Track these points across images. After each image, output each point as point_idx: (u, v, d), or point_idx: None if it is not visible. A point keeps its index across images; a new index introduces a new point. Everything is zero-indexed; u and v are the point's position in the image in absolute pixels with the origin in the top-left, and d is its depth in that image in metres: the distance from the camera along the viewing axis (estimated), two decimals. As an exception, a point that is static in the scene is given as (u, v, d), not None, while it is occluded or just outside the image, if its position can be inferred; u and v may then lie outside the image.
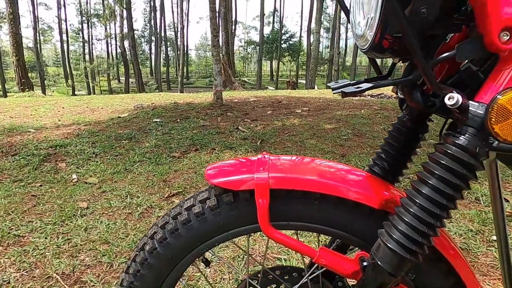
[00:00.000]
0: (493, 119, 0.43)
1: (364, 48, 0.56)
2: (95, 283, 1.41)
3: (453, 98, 0.46)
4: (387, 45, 0.52)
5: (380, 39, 0.51)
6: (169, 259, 0.63)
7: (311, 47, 23.84)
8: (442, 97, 0.48)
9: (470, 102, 0.47)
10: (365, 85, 0.53)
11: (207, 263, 0.68)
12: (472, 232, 1.78)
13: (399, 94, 0.64)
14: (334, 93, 0.59)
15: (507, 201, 2.13)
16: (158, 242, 0.63)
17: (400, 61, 0.60)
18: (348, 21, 0.63)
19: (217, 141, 3.68)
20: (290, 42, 43.47)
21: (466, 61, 0.53)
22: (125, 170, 2.90)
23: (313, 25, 23.94)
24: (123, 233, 1.80)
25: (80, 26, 42.36)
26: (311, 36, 28.28)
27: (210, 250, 0.64)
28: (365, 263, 0.55)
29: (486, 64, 0.50)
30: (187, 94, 9.99)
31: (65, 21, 39.46)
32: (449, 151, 0.48)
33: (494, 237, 1.72)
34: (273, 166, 0.59)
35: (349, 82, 0.59)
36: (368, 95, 8.22)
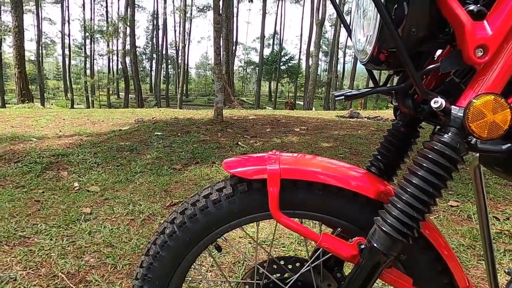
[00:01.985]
0: (469, 119, 0.52)
1: (363, 60, 0.66)
2: (100, 283, 1.45)
3: (437, 102, 0.55)
4: (383, 58, 0.62)
5: (378, 53, 0.61)
6: (187, 242, 0.70)
7: (310, 70, 24.34)
8: (429, 102, 0.57)
9: (452, 106, 0.56)
10: (364, 90, 0.63)
11: (219, 248, 0.75)
12: (463, 246, 1.85)
13: (393, 102, 0.73)
14: (337, 99, 0.69)
15: (498, 219, 2.20)
16: (178, 226, 0.70)
17: (394, 73, 0.70)
18: (350, 38, 0.73)
19: (217, 155, 3.76)
20: (289, 64, 44.33)
21: (451, 74, 0.63)
22: (126, 180, 2.96)
23: (312, 48, 24.56)
24: (126, 237, 1.85)
25: (83, 41, 43.02)
26: (310, 59, 28.92)
27: (222, 236, 0.72)
28: (362, 246, 0.63)
29: (466, 77, 0.60)
30: (187, 110, 10.13)
31: (69, 36, 40.14)
32: (435, 147, 0.56)
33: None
34: (283, 160, 0.67)
35: (350, 90, 0.69)
36: (365, 117, 8.40)
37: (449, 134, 0.56)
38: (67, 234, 1.86)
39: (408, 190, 0.58)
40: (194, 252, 0.72)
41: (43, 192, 2.58)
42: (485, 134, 0.53)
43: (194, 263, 0.74)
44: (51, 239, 1.79)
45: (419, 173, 0.58)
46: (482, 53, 0.53)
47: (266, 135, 5.04)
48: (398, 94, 0.67)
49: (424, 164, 0.57)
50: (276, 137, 4.86)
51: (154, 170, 3.21)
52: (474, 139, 0.56)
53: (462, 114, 0.54)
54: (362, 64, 0.68)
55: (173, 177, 3.04)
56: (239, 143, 4.37)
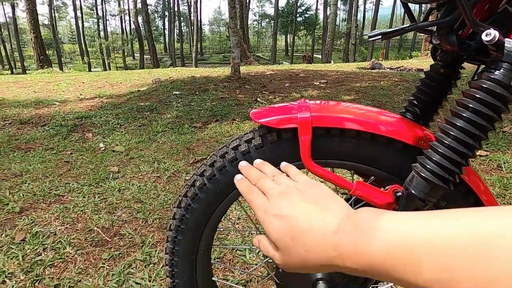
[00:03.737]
0: (527, 51, 0.47)
1: (402, -8, 0.59)
2: (133, 236, 1.53)
3: (490, 34, 0.49)
4: (425, -12, 0.55)
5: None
6: (217, 194, 0.70)
7: (328, 20, 23.18)
8: (480, 35, 0.51)
9: (506, 39, 0.50)
10: (403, 26, 0.57)
11: (249, 200, 0.75)
12: (493, 195, 1.81)
13: (433, 41, 0.67)
14: (371, 40, 0.63)
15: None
16: (208, 178, 0.70)
17: (436, 7, 0.63)
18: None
19: (237, 112, 3.74)
20: (306, 15, 42.30)
21: (503, 3, 0.56)
22: (149, 139, 3.01)
23: (330, -4, 23.14)
24: (154, 193, 1.91)
25: (94, 2, 42.17)
26: (328, 9, 27.42)
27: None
28: (398, 194, 0.61)
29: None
30: (204, 68, 9.99)
31: (79, -4, 39.35)
32: (484, 86, 0.51)
33: (515, 200, 1.75)
34: (314, 107, 0.64)
35: (385, 29, 0.63)
36: (388, 68, 8.06)
37: (501, 70, 0.50)
38: (98, 191, 1.94)
39: (451, 133, 0.54)
40: (225, 203, 0.72)
41: (71, 153, 2.67)
42: (544, 68, 0.47)
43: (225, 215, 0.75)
44: (83, 197, 1.87)
45: (464, 115, 0.53)
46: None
47: (284, 90, 4.94)
48: (441, 30, 0.60)
49: (470, 105, 0.52)
50: (295, 91, 4.75)
51: (175, 129, 3.24)
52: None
53: (517, 47, 0.48)
54: (400, -1, 0.62)
55: (194, 135, 3.07)
56: (258, 99, 4.31)
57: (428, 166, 0.56)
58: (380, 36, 0.59)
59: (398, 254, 0.28)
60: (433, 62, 0.71)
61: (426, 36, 0.69)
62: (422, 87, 0.72)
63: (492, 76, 0.51)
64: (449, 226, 0.27)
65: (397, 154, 0.64)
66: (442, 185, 0.55)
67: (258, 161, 0.54)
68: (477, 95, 0.52)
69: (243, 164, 0.53)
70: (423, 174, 0.56)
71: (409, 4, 0.66)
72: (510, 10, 0.55)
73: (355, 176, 0.75)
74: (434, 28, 0.64)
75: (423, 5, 0.66)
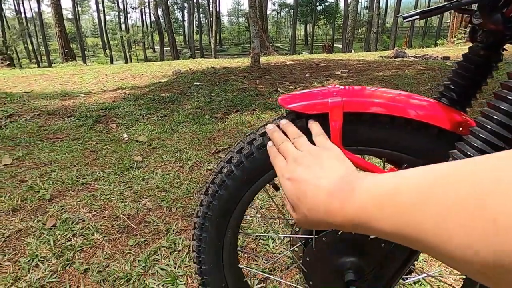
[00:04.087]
0: None
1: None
2: (158, 223, 1.55)
3: (542, 9, 0.46)
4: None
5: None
6: (245, 181, 0.69)
7: (349, 8, 22.62)
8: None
9: (558, 14, 0.46)
10: (442, 4, 0.53)
11: (276, 187, 0.74)
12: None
13: (474, 20, 0.63)
14: (407, 21, 0.60)
15: None
16: (235, 165, 0.69)
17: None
18: None
19: (257, 102, 3.72)
20: (326, 4, 41.43)
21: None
22: (171, 129, 3.05)
23: (351, -17, 22.53)
24: (177, 182, 1.93)
25: (115, -5, 42.80)
26: (349, -4, 26.72)
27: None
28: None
29: None
30: (223, 59, 9.99)
31: (101, -10, 40.00)
32: (532, 66, 0.48)
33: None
34: (345, 92, 0.62)
35: (422, 9, 0.60)
36: (412, 56, 7.80)
37: (553, 48, 0.46)
38: (123, 180, 1.98)
39: (495, 117, 0.51)
40: (252, 190, 0.71)
41: (96, 143, 2.74)
42: None
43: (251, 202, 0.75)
44: (109, 185, 1.92)
45: (509, 97, 0.50)
46: None
47: (305, 80, 4.87)
48: (483, 8, 0.56)
49: (517, 87, 0.49)
50: (317, 81, 4.68)
51: (197, 120, 3.27)
52: None
53: None
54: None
55: (215, 125, 3.08)
56: (279, 89, 4.28)
57: (468, 153, 0.53)
58: (417, 16, 0.56)
59: (369, 206, 0.31)
60: (470, 45, 0.67)
61: (464, 18, 0.65)
62: (459, 71, 0.68)
63: (542, 55, 0.47)
64: (410, 175, 0.28)
65: (432, 140, 0.61)
66: (483, 172, 0.52)
67: (283, 122, 0.60)
68: (525, 76, 0.49)
69: (269, 127, 0.59)
70: (462, 161, 0.53)
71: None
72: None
73: (388, 164, 0.73)
74: (475, 7, 0.60)
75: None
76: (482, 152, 0.52)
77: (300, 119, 0.64)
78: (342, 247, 0.72)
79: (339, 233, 0.71)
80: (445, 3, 0.55)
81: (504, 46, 0.66)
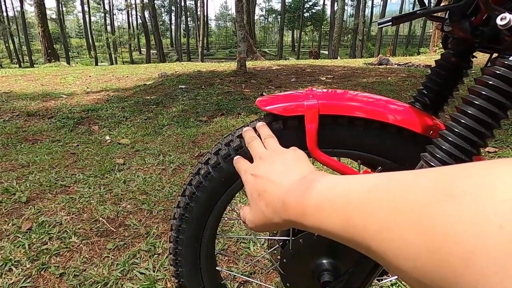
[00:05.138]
0: (545, 35, 0.45)
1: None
2: (138, 227, 1.53)
3: (505, 19, 0.48)
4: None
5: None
6: (222, 182, 0.69)
7: (335, 16, 22.98)
8: (494, 20, 0.49)
9: (521, 24, 0.48)
10: (414, 11, 0.55)
11: (254, 189, 0.75)
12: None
13: (445, 28, 0.65)
14: (381, 27, 0.61)
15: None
16: (212, 166, 0.69)
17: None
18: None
19: (243, 106, 3.73)
20: (313, 11, 42.01)
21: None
22: (155, 132, 3.02)
23: (337, -9, 22.94)
24: (159, 185, 1.91)
25: (101, -4, 42.28)
26: (335, 4, 27.19)
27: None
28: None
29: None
30: (210, 63, 9.98)
31: (86, -9, 39.45)
32: (497, 72, 0.50)
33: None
34: (321, 95, 0.63)
35: (395, 15, 0.61)
36: (395, 63, 7.98)
37: (516, 56, 0.49)
38: (104, 183, 1.95)
39: (462, 121, 0.53)
40: (229, 192, 0.71)
41: (77, 145, 2.69)
42: (561, 53, 0.45)
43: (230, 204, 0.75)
44: (89, 188, 1.88)
45: (476, 102, 0.52)
46: None
47: (291, 85, 4.91)
48: (453, 15, 0.58)
49: (483, 92, 0.51)
50: (302, 86, 4.73)
51: (181, 123, 3.25)
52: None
53: (534, 31, 0.46)
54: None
55: (200, 128, 3.07)
56: (264, 93, 4.29)
57: (437, 155, 0.55)
58: (390, 22, 0.58)
59: (321, 205, 0.31)
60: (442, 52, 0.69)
61: (436, 25, 0.67)
62: (432, 77, 0.70)
63: (506, 62, 0.49)
64: (365, 180, 0.28)
65: (406, 144, 0.62)
66: (451, 174, 0.54)
67: (259, 124, 0.61)
68: (490, 82, 0.50)
69: (245, 128, 0.61)
70: (432, 163, 0.55)
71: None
72: (526, -6, 0.53)
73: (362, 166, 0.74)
74: (446, 15, 0.63)
75: (435, -9, 0.65)
76: (450, 154, 0.54)
77: (277, 121, 0.65)
78: (318, 248, 0.73)
79: (315, 235, 0.72)
80: (415, 10, 0.57)
81: (474, 54, 0.69)
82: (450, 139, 0.54)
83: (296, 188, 0.37)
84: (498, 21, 0.48)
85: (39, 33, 17.21)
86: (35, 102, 4.15)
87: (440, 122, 0.63)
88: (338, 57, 17.79)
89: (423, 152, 0.58)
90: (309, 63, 8.49)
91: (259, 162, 0.48)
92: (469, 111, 0.52)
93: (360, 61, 9.11)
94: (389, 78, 5.05)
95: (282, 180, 0.41)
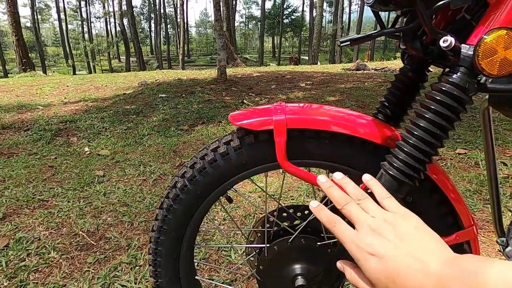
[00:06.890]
0: (479, 56, 0.51)
1: (369, 1, 0.62)
2: (119, 239, 1.53)
3: (447, 41, 0.53)
4: (390, -3, 0.58)
5: (385, -9, 0.58)
6: (198, 194, 0.72)
7: (314, 22, 23.40)
8: (438, 42, 0.55)
9: (462, 45, 0.54)
10: (371, 32, 0.60)
11: (230, 200, 0.78)
12: (470, 192, 1.88)
13: (401, 45, 0.71)
14: (342, 45, 0.66)
15: (506, 164, 2.21)
16: (188, 179, 0.72)
17: (402, 14, 0.67)
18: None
19: (223, 114, 3.76)
20: (293, 17, 42.64)
21: (462, 11, 0.60)
22: (135, 142, 3.00)
23: (315, -2, 23.37)
24: (140, 197, 1.91)
25: (78, 3, 41.55)
26: (314, 11, 27.70)
27: (233, 189, 0.74)
28: (369, 191, 0.64)
29: (478, 13, 0.57)
30: (190, 71, 9.97)
31: (63, -1, 38.71)
32: (443, 88, 0.55)
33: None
34: (289, 110, 0.67)
35: (356, 34, 0.66)
36: (372, 69, 8.20)
37: (458, 74, 0.54)
38: (83, 196, 1.93)
39: (415, 133, 0.58)
40: (206, 204, 0.74)
41: (55, 158, 2.65)
42: (495, 71, 0.51)
43: (207, 215, 0.77)
44: (68, 201, 1.86)
45: (426, 116, 0.57)
46: (496, -16, 0.50)
47: (271, 91, 4.98)
48: (406, 36, 0.64)
49: (432, 106, 0.56)
50: (282, 93, 4.80)
51: (162, 132, 3.24)
52: (484, 78, 0.54)
53: (472, 52, 0.52)
54: (368, 6, 0.65)
55: (181, 138, 3.08)
56: (244, 101, 4.34)
57: (394, 164, 0.59)
58: (349, 42, 0.63)
59: None
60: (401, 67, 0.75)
61: (395, 42, 0.73)
62: (392, 90, 0.76)
63: (450, 79, 0.55)
64: None
65: (368, 154, 0.67)
66: (408, 181, 0.59)
67: (338, 176, 0.53)
68: (437, 97, 0.56)
69: (322, 180, 0.52)
70: (390, 172, 0.60)
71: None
72: (467, 17, 0.59)
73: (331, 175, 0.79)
74: (402, 34, 0.68)
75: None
76: (406, 163, 0.59)
77: (248, 135, 0.69)
78: (292, 254, 0.76)
79: (289, 241, 0.75)
80: (371, 32, 0.62)
81: (430, 68, 0.75)
82: (405, 149, 0.59)
83: (452, 278, 0.33)
84: (441, 43, 0.54)
85: (13, 42, 16.73)
86: (10, 114, 4.05)
87: (398, 132, 0.68)
88: (318, 63, 18.12)
89: (383, 161, 0.64)
90: (289, 69, 8.62)
91: (372, 235, 0.41)
92: (421, 124, 0.58)
93: (339, 67, 9.32)
94: (366, 84, 5.19)
95: (421, 263, 0.36)
